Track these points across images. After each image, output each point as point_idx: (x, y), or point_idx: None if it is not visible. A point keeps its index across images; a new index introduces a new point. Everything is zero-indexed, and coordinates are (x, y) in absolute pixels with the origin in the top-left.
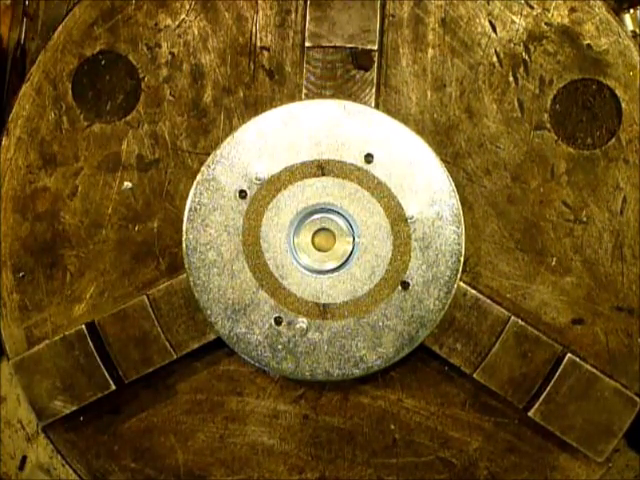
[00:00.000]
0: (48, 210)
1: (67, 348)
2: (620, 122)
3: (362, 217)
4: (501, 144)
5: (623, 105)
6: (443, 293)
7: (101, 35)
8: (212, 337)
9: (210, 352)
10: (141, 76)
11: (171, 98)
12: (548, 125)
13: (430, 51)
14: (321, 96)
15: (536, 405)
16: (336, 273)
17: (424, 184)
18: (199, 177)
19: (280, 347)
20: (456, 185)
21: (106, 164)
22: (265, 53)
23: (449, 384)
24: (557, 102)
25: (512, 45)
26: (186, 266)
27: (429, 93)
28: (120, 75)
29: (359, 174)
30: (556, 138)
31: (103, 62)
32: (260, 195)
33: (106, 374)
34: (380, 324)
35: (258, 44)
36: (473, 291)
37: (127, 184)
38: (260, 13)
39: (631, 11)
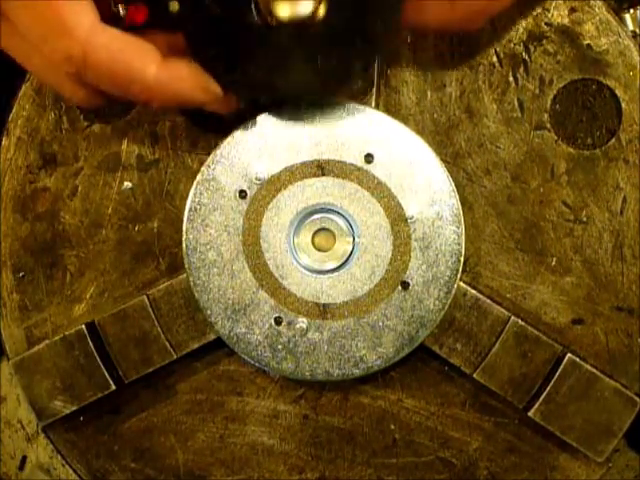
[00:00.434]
0: (48, 210)
1: (67, 348)
2: (620, 122)
3: (362, 217)
4: (501, 144)
5: (623, 105)
6: (443, 293)
7: None
8: (212, 337)
9: (210, 352)
10: None
11: None
12: (548, 125)
13: (430, 51)
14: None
15: (536, 405)
16: (336, 273)
17: (424, 184)
18: (199, 177)
19: (280, 347)
20: (456, 185)
21: (106, 164)
22: None
23: (449, 384)
24: (557, 102)
25: (512, 45)
26: (186, 266)
27: (429, 93)
28: None
29: (359, 174)
30: (556, 138)
31: None
32: (260, 195)
33: (106, 374)
34: (380, 324)
35: None
36: (473, 291)
37: (127, 184)
38: None
39: (631, 11)
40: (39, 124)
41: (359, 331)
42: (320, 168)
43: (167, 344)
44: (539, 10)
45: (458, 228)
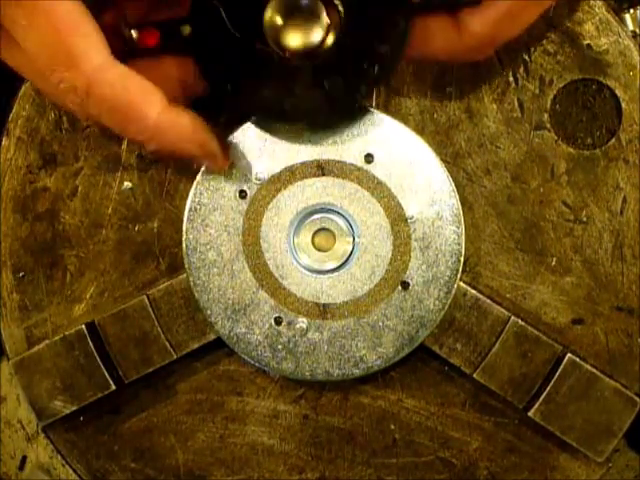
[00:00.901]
0: (48, 210)
1: (67, 348)
2: (620, 122)
3: (362, 217)
4: (501, 144)
5: (623, 105)
6: (443, 293)
7: None
8: (212, 337)
9: (210, 352)
10: None
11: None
12: (548, 125)
13: None
14: None
15: (536, 405)
16: (336, 273)
17: (424, 184)
18: (199, 177)
19: (280, 347)
20: (456, 185)
21: (106, 164)
22: None
23: (449, 384)
24: (557, 102)
25: (512, 45)
26: (186, 266)
27: (429, 93)
28: None
29: (359, 174)
30: (556, 138)
31: None
32: (260, 195)
33: (106, 374)
34: (380, 324)
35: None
36: (473, 291)
37: (127, 184)
38: None
39: (631, 11)
40: (39, 124)
41: (359, 331)
42: (320, 168)
43: (167, 344)
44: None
45: (458, 228)
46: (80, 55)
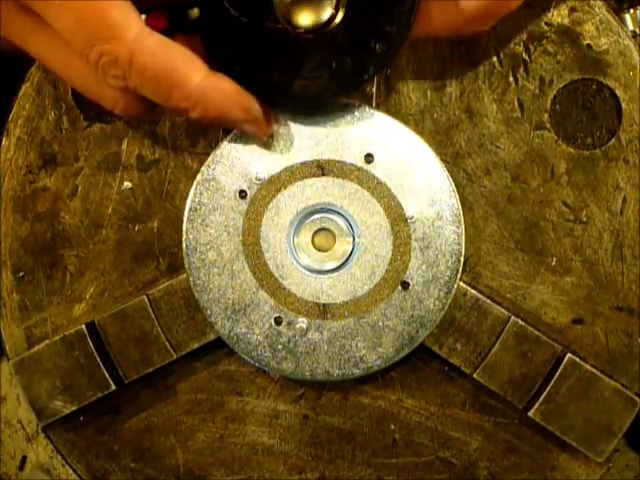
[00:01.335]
0: (48, 210)
1: (67, 348)
2: (620, 122)
3: (362, 217)
4: (501, 144)
5: (623, 105)
6: (443, 293)
7: None
8: (212, 337)
9: (210, 352)
10: None
11: None
12: (548, 125)
13: (430, 51)
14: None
15: (536, 405)
16: (336, 273)
17: (424, 184)
18: (199, 177)
19: (280, 347)
20: (456, 185)
21: (106, 164)
22: None
23: (449, 384)
24: (557, 102)
25: (512, 45)
26: (186, 266)
27: (429, 93)
28: None
29: (359, 174)
30: (556, 138)
31: None
32: (260, 195)
33: (106, 374)
34: (380, 324)
35: None
36: (473, 291)
37: (127, 184)
38: None
39: (631, 11)
40: (39, 124)
41: (359, 331)
42: (320, 168)
43: (167, 344)
44: (539, 10)
45: (458, 228)
46: (119, 25)
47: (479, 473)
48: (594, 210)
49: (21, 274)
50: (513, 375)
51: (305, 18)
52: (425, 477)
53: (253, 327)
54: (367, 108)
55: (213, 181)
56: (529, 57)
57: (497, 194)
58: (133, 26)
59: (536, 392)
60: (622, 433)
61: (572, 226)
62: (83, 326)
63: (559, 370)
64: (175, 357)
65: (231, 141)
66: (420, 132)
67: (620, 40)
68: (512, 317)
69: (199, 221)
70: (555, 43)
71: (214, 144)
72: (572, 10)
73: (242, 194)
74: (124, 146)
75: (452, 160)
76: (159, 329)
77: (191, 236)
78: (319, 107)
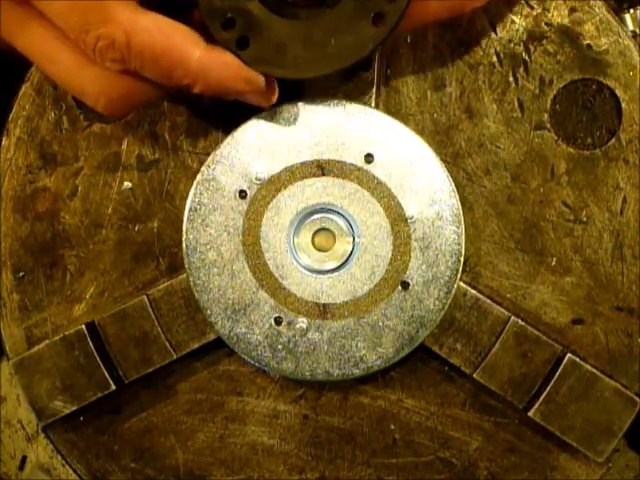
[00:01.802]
0: (48, 210)
1: (67, 348)
2: (620, 122)
3: (362, 217)
4: (501, 144)
5: (623, 105)
6: (443, 293)
7: None
8: (212, 337)
9: (210, 352)
10: None
11: (171, 98)
12: (548, 125)
13: (430, 51)
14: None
15: (536, 405)
16: (336, 273)
17: (424, 184)
18: (199, 177)
19: (280, 347)
20: (456, 185)
21: (106, 164)
22: None
23: (449, 384)
24: (557, 102)
25: (512, 45)
26: (186, 266)
27: (429, 93)
28: None
29: (359, 174)
30: (556, 138)
31: None
32: (260, 195)
33: (106, 374)
34: (380, 324)
35: None
36: (473, 291)
37: (127, 184)
38: None
39: (631, 11)
40: (39, 124)
41: (359, 331)
42: (320, 168)
43: (167, 344)
44: (539, 10)
45: (458, 228)
46: (113, 6)
47: (479, 473)
48: (594, 210)
49: (21, 274)
50: (513, 375)
51: None
52: (425, 477)
53: (253, 327)
54: (367, 108)
55: (213, 181)
56: (529, 57)
57: (497, 194)
58: (127, 6)
59: (536, 392)
60: (622, 433)
61: (572, 226)
62: (83, 326)
63: (559, 370)
64: (175, 357)
65: (231, 141)
66: (420, 132)
67: (620, 40)
68: (512, 317)
69: (199, 221)
70: (555, 43)
71: (214, 144)
72: (572, 10)
73: (242, 194)
74: (124, 146)
75: (452, 160)
76: (159, 329)
77: (191, 236)
78: (317, 83)
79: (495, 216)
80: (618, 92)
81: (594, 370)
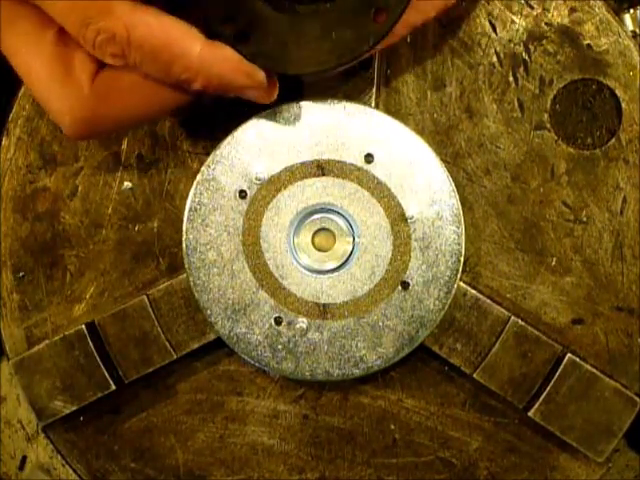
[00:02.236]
0: (48, 210)
1: (67, 348)
2: (620, 122)
3: (362, 217)
4: (501, 144)
5: (623, 105)
6: (443, 293)
7: None
8: (212, 337)
9: (210, 352)
10: None
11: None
12: (548, 125)
13: (430, 51)
14: (321, 96)
15: (536, 405)
16: (336, 273)
17: (424, 184)
18: (199, 177)
19: (280, 347)
20: (456, 185)
21: (106, 164)
22: None
23: (449, 384)
24: (557, 102)
25: (512, 45)
26: (186, 266)
27: (429, 93)
28: None
29: (359, 174)
30: (556, 138)
31: None
32: (260, 195)
33: (106, 374)
34: (380, 324)
35: None
36: (473, 291)
37: (127, 184)
38: None
39: (631, 11)
40: (39, 124)
41: (359, 331)
42: (320, 168)
43: (167, 344)
44: (539, 10)
45: (458, 228)
46: (113, 1)
47: (479, 473)
48: (594, 210)
49: (21, 274)
50: (513, 375)
51: None
52: (425, 477)
53: (253, 327)
54: (367, 108)
55: (213, 181)
56: (529, 57)
57: (497, 194)
58: (127, 1)
59: (536, 392)
60: (622, 433)
61: (572, 226)
62: (83, 326)
63: (559, 370)
64: (175, 357)
65: (231, 141)
66: (420, 132)
67: (620, 40)
68: (512, 317)
69: (199, 221)
70: (555, 43)
71: (214, 144)
72: (572, 10)
73: (242, 194)
74: (124, 146)
75: (452, 160)
76: (159, 329)
77: (191, 236)
78: (318, 78)
79: (495, 216)
80: (618, 92)
81: (594, 370)
